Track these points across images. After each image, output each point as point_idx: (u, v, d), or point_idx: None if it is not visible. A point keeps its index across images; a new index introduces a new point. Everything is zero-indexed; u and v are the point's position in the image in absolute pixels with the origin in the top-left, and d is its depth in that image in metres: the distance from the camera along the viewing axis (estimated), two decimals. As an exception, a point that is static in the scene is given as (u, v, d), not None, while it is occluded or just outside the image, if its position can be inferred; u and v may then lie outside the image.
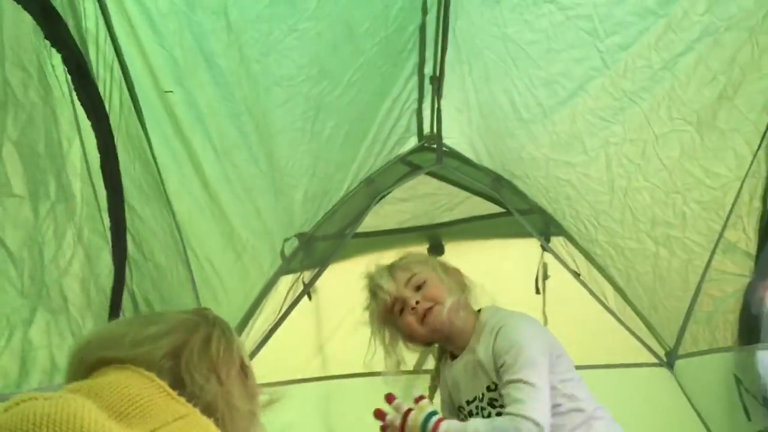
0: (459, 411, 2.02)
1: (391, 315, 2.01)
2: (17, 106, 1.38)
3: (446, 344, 2.06)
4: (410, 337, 2.02)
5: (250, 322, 2.81)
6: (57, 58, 1.48)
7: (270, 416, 2.87)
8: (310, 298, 2.93)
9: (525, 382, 1.72)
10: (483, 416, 1.90)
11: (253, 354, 2.81)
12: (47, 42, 1.44)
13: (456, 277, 2.03)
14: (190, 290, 2.43)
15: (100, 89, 1.62)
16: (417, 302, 1.95)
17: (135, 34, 1.80)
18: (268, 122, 2.27)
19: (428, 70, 2.53)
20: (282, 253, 2.77)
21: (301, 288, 2.86)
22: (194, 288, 2.43)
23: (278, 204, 2.58)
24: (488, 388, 1.89)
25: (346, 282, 3.10)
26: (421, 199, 3.02)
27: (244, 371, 1.04)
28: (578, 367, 2.76)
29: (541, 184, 2.76)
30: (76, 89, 1.49)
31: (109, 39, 1.69)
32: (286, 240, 2.74)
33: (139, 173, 1.91)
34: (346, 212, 2.88)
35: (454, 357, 2.04)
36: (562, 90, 2.35)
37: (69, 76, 1.49)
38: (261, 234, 2.60)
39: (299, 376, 2.96)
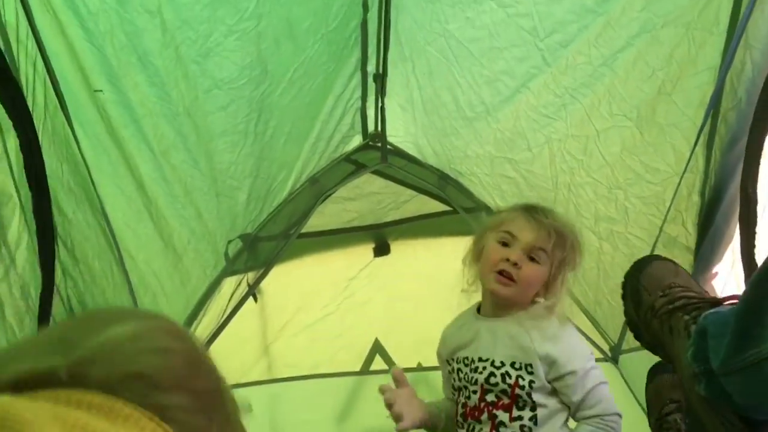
0: (449, 359, 1.89)
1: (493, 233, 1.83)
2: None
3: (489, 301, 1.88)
4: (481, 265, 1.84)
5: (194, 325, 2.75)
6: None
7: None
8: (255, 299, 2.88)
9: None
10: (470, 377, 1.78)
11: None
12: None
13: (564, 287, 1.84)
14: (127, 293, 2.36)
15: (23, 85, 1.54)
16: (514, 263, 1.76)
17: (63, 30, 1.73)
18: (208, 124, 2.21)
19: (371, 67, 2.51)
20: (226, 254, 2.71)
21: (245, 289, 2.81)
22: (131, 291, 2.37)
23: (220, 206, 2.52)
24: (513, 365, 1.76)
25: (291, 283, 3.08)
26: (367, 198, 3.00)
27: None
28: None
29: (486, 181, 2.76)
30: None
31: (31, 35, 1.61)
32: (229, 242, 2.69)
33: (68, 175, 1.84)
34: (291, 212, 2.84)
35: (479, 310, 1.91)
36: (504, 88, 2.35)
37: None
38: (202, 236, 2.54)
39: (245, 380, 2.90)
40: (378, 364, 3.02)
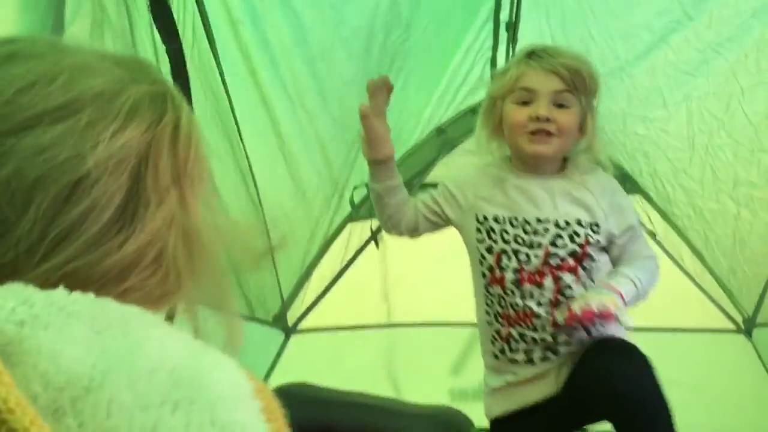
0: (494, 221, 1.70)
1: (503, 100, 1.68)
2: (112, 29, 1.42)
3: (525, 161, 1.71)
4: (507, 133, 1.68)
5: (317, 269, 2.86)
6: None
7: (333, 362, 2.89)
8: (377, 245, 2.95)
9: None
10: (527, 240, 1.65)
11: (318, 299, 2.88)
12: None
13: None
14: (263, 233, 2.48)
15: (174, 14, 1.63)
16: (546, 119, 1.60)
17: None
18: (342, 71, 2.26)
19: (504, 16, 2.46)
20: (351, 201, 2.78)
21: (368, 235, 2.88)
22: (267, 232, 2.48)
23: (349, 153, 2.58)
24: (579, 223, 1.65)
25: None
26: (492, 152, 2.96)
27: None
28: (652, 329, 2.71)
29: (618, 139, 2.67)
30: (151, 11, 1.51)
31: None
32: (355, 188, 2.75)
33: (210, 106, 1.94)
34: (415, 162, 2.86)
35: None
36: (640, 43, 2.27)
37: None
38: (329, 181, 2.63)
39: (364, 323, 2.99)
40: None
